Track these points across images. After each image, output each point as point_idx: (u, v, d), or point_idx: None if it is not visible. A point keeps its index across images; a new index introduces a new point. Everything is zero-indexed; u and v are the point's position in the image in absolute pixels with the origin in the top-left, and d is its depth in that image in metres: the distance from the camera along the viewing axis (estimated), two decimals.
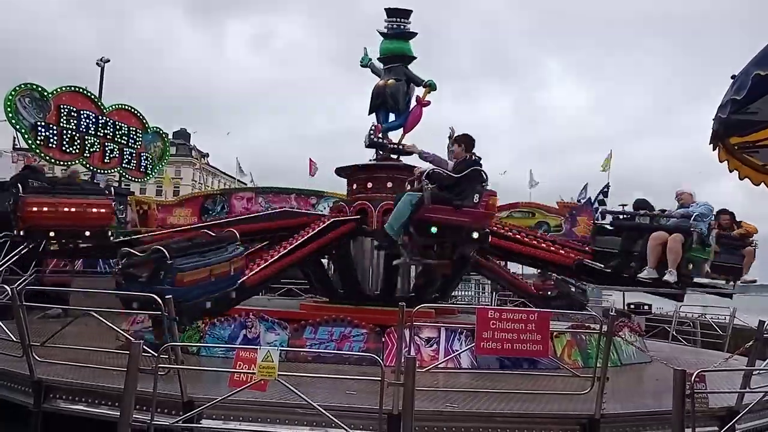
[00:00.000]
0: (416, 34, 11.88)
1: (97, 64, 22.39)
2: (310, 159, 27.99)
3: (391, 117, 11.65)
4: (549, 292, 13.01)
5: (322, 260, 11.61)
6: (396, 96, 11.55)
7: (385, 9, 11.83)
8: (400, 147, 11.19)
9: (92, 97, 17.14)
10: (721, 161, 5.48)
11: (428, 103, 11.47)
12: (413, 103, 11.55)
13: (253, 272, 8.59)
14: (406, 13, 11.82)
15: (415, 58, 11.85)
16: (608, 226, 9.63)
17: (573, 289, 13.21)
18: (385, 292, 10.60)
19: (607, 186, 23.95)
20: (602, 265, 9.05)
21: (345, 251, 11.15)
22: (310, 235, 9.89)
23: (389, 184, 11.19)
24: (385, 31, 11.75)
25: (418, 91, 11.58)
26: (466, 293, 22.52)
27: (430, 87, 11.52)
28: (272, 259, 9.07)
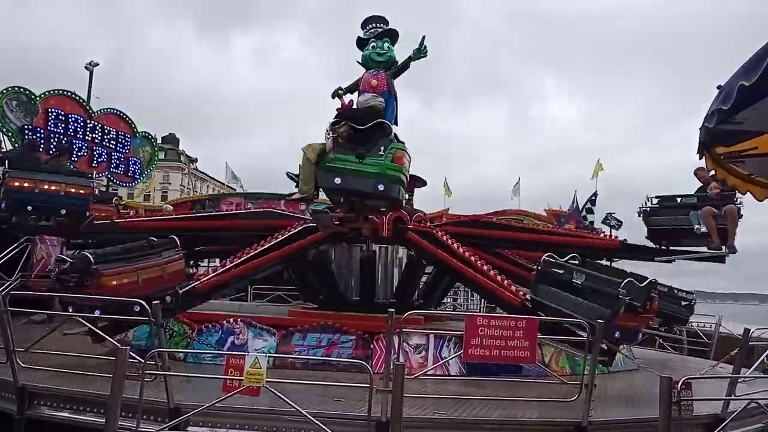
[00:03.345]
0: None
1: (86, 68, 22.24)
2: None
3: None
4: None
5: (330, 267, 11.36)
6: None
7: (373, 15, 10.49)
8: None
9: (81, 100, 17.06)
10: (708, 170, 5.55)
11: None
12: None
13: (206, 279, 8.58)
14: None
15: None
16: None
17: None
18: (399, 299, 10.51)
19: (595, 194, 24.15)
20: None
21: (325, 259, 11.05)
22: (275, 242, 9.74)
23: None
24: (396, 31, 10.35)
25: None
26: (456, 300, 22.52)
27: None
28: (229, 265, 8.99)
